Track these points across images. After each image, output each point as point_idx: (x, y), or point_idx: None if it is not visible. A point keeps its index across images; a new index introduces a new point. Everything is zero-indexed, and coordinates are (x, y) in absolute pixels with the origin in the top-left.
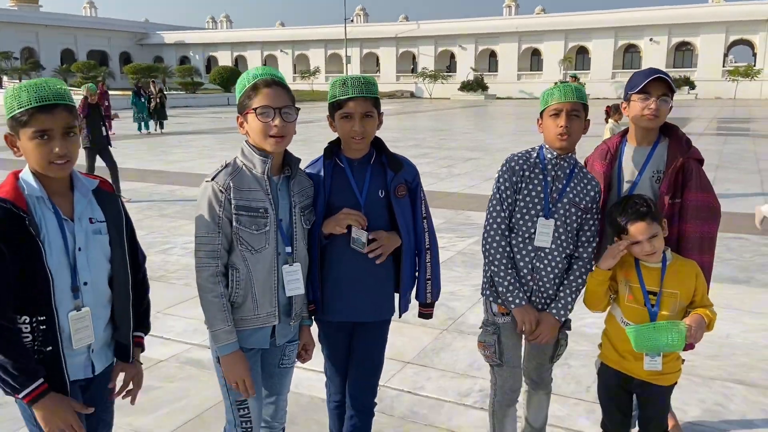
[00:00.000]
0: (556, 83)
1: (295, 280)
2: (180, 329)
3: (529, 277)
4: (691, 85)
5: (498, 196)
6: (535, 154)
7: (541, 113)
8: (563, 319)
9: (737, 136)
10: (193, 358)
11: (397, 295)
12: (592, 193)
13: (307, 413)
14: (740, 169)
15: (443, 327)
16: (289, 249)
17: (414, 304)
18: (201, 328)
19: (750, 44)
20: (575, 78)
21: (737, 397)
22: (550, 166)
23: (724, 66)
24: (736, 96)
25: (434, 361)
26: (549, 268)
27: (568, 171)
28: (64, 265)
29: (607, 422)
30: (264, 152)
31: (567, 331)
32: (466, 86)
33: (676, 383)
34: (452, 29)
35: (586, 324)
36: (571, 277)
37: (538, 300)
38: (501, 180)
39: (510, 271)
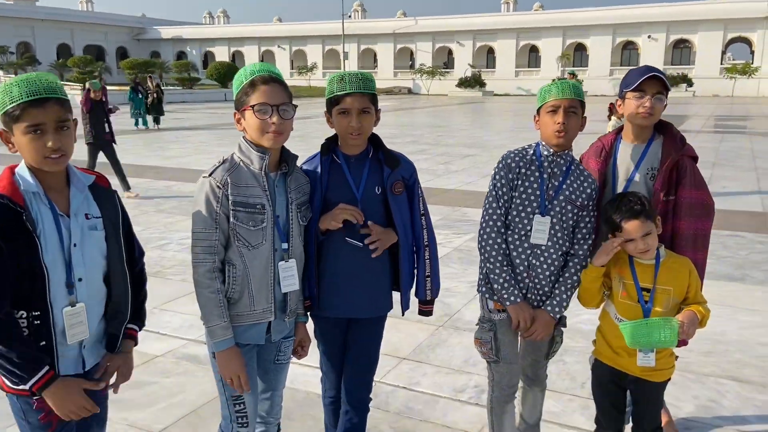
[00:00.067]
0: (554, 80)
1: (290, 276)
2: (176, 325)
3: (525, 275)
4: (689, 83)
5: (494, 193)
6: (531, 151)
7: (538, 110)
8: (558, 316)
9: (734, 133)
10: (190, 354)
11: (398, 294)
12: (589, 191)
13: (302, 409)
14: (737, 167)
15: (439, 323)
16: (285, 245)
17: (414, 302)
18: (197, 324)
19: (748, 42)
20: (573, 75)
21: (731, 394)
22: (546, 164)
23: (722, 63)
24: (734, 93)
25: (430, 357)
26: (545, 266)
27: (564, 168)
28: (59, 260)
29: (601, 418)
30: (261, 148)
31: (562, 328)
32: (463, 83)
33: (669, 379)
34: (450, 25)
35: (582, 320)
36: (567, 274)
37: (533, 297)
38: (497, 177)
39: (506, 268)
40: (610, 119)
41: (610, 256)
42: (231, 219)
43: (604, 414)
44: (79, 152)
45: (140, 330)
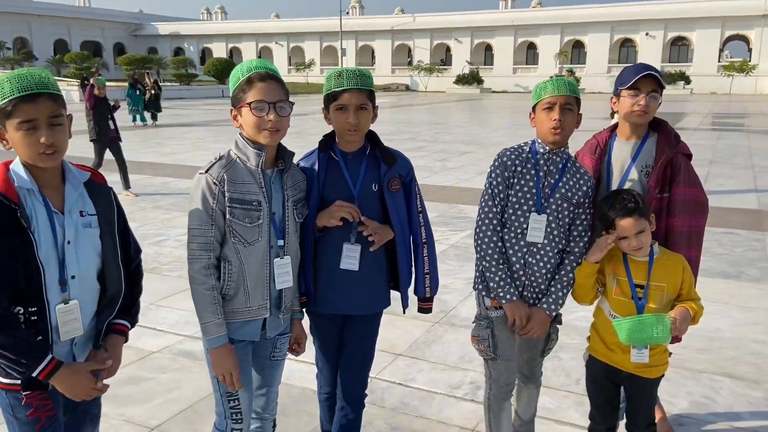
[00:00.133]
0: (551, 77)
1: (285, 273)
2: (173, 321)
3: (521, 272)
4: (687, 80)
5: (490, 191)
6: (527, 149)
7: (534, 107)
8: (554, 313)
9: (731, 131)
10: (186, 350)
11: (394, 291)
12: (585, 188)
13: (298, 405)
14: (733, 165)
15: (435, 320)
16: (281, 242)
17: (413, 299)
18: (193, 320)
19: (745, 39)
20: (571, 72)
21: (725, 390)
22: (542, 161)
23: (719, 61)
24: (731, 91)
25: (426, 353)
26: (541, 264)
27: (560, 166)
28: (53, 258)
29: (595, 414)
30: (258, 145)
31: (558, 326)
32: (461, 80)
33: (663, 376)
34: (448, 22)
35: (577, 317)
36: (563, 272)
37: (529, 295)
38: (493, 175)
39: (501, 266)
40: (612, 117)
41: (604, 253)
42: (227, 216)
43: (598, 410)
44: (82, 149)
45: (132, 326)
